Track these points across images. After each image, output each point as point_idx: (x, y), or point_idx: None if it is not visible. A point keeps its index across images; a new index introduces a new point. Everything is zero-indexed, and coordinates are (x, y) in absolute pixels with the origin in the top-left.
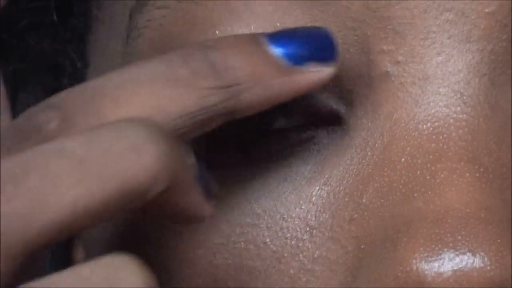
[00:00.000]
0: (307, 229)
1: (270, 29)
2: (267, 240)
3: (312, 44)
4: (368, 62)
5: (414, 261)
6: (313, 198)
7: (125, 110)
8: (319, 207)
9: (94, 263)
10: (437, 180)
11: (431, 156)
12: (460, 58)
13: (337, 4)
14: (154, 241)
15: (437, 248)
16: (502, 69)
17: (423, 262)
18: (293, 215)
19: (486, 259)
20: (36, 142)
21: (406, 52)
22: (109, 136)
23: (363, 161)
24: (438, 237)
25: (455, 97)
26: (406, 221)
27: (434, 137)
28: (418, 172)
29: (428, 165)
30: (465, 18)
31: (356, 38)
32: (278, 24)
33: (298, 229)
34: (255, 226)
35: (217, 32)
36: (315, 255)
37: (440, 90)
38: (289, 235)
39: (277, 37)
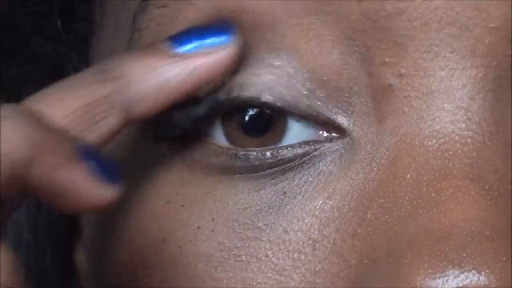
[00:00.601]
0: (310, 242)
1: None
2: (269, 253)
3: (204, 30)
4: (370, 74)
5: (418, 277)
6: (317, 212)
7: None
8: (323, 221)
9: None
10: (443, 198)
11: (436, 173)
12: (464, 73)
13: (336, 13)
14: (155, 256)
15: (442, 265)
16: (507, 85)
17: (428, 279)
18: (296, 228)
19: (491, 276)
20: None
21: (409, 65)
22: None
23: (369, 176)
24: (443, 254)
25: (460, 113)
26: (411, 237)
27: (439, 154)
28: (424, 189)
29: (434, 182)
30: (468, 33)
31: (356, 48)
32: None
33: (300, 242)
34: (257, 240)
35: None
36: (317, 268)
37: (445, 105)
38: (291, 248)
39: (177, 35)
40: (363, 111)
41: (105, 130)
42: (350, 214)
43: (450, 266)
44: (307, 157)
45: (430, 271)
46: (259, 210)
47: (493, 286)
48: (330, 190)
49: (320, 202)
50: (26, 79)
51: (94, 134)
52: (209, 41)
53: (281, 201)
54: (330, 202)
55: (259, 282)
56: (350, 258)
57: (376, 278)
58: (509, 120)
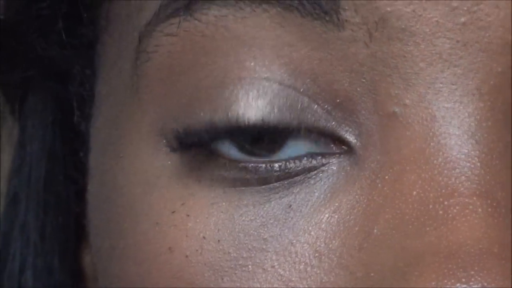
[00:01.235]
0: (316, 254)
1: (276, 62)
2: (275, 264)
3: None
4: (376, 102)
5: None
6: (323, 225)
7: None
8: (329, 234)
9: None
10: (450, 215)
11: (443, 191)
12: (471, 105)
13: (345, 50)
14: (162, 265)
15: (449, 283)
16: None
17: None
18: (302, 241)
19: None
20: None
21: (414, 97)
22: None
23: (374, 192)
24: (451, 272)
25: (465, 136)
26: (418, 255)
27: (446, 171)
28: (430, 206)
29: (441, 199)
30: (473, 74)
31: (364, 81)
32: (283, 59)
33: (306, 254)
34: (263, 251)
35: (224, 62)
36: (323, 280)
37: (450, 131)
38: (297, 259)
39: None
40: (368, 132)
41: None
42: (356, 228)
43: (458, 284)
44: (313, 172)
45: None
46: (264, 222)
47: None
48: (336, 204)
49: (326, 215)
50: (30, 83)
51: None
52: None
53: (287, 214)
54: (336, 216)
55: None
56: (356, 271)
57: None
58: None
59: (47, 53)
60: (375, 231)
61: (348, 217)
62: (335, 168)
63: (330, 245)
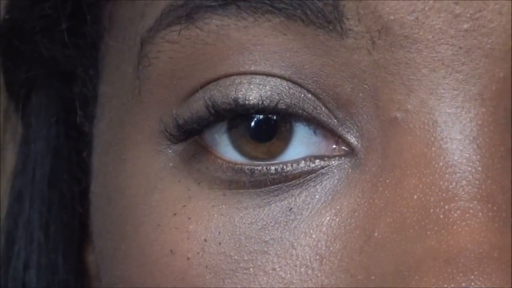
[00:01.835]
0: (317, 257)
1: (278, 65)
2: (276, 266)
3: None
4: (378, 107)
5: None
6: (324, 228)
7: None
8: (330, 237)
9: None
10: (450, 220)
11: (444, 195)
12: (473, 110)
13: (347, 57)
14: (164, 267)
15: (449, 287)
16: None
17: None
18: (303, 243)
19: None
20: None
21: (416, 102)
22: None
23: (375, 196)
24: (451, 277)
25: (467, 140)
26: (419, 258)
27: (447, 176)
28: (431, 210)
29: (441, 203)
30: (476, 80)
31: (366, 86)
32: (287, 62)
33: (307, 257)
34: (264, 253)
35: (226, 67)
36: (324, 283)
37: (452, 135)
38: (298, 262)
39: None
40: (370, 135)
41: None
42: (357, 231)
43: None
44: (313, 175)
45: None
46: (265, 225)
47: None
48: (337, 207)
49: (328, 218)
50: (35, 81)
51: None
52: None
53: (288, 217)
54: (337, 219)
55: None
56: (357, 273)
57: None
58: None
59: (51, 53)
60: (376, 234)
61: (349, 220)
62: (336, 170)
63: (331, 248)
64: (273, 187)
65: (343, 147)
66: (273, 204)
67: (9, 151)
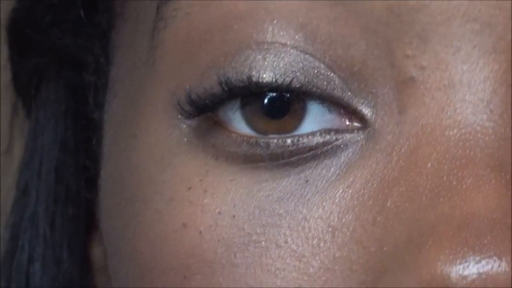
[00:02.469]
0: (329, 229)
1: (294, 24)
2: (288, 239)
3: None
4: (393, 66)
5: (439, 263)
6: (337, 200)
7: None
8: (342, 209)
9: None
10: (464, 186)
11: (457, 162)
12: (486, 67)
13: (361, 5)
14: (175, 241)
15: (462, 251)
16: None
17: (448, 264)
18: (316, 216)
19: None
20: None
21: (431, 58)
22: None
23: (389, 165)
24: (464, 241)
25: (481, 105)
26: (432, 225)
27: (461, 143)
28: (445, 178)
29: (455, 171)
30: (491, 30)
31: (380, 41)
32: (301, 19)
33: (320, 229)
34: (277, 226)
35: (242, 25)
36: (336, 255)
37: (467, 97)
38: (310, 235)
39: None
40: (385, 102)
41: None
42: (370, 202)
43: (471, 253)
44: (329, 146)
45: (451, 257)
46: (280, 197)
47: None
48: (351, 179)
49: (340, 190)
50: (45, 70)
51: None
52: None
53: (303, 189)
54: (350, 190)
55: (278, 268)
56: (370, 245)
57: (396, 264)
58: None
59: (62, 41)
60: (389, 204)
61: (362, 191)
62: (349, 144)
63: (344, 220)
64: (292, 159)
65: (355, 123)
66: (292, 175)
67: (17, 148)
